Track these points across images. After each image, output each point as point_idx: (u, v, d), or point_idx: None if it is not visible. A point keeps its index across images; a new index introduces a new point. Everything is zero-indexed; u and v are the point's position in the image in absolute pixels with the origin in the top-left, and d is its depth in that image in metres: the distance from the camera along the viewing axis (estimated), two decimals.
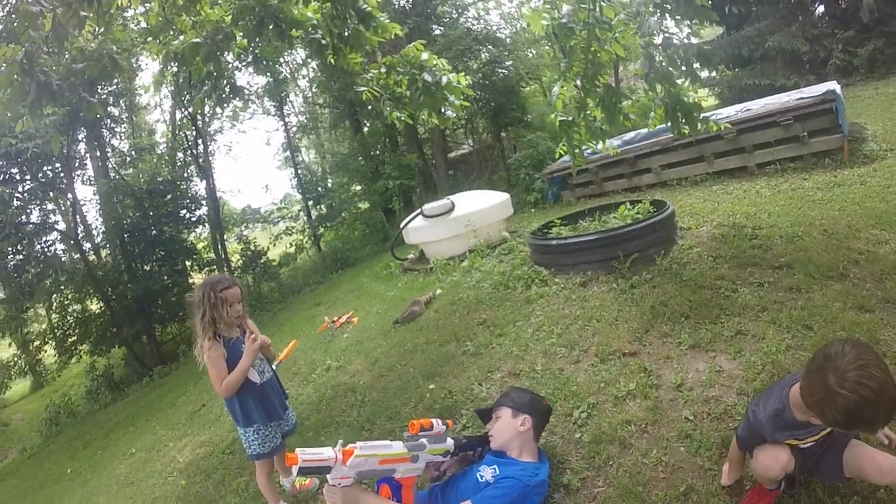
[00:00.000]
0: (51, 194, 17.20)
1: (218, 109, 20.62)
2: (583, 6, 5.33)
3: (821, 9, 16.76)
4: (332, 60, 5.90)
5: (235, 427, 3.91)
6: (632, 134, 10.98)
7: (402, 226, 10.96)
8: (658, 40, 5.47)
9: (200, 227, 20.36)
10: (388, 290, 9.85)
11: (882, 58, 14.50)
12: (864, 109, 10.67)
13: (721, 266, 5.24)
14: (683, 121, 5.96)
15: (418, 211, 10.43)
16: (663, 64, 5.53)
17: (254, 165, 57.99)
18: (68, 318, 17.80)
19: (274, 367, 7.47)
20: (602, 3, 5.42)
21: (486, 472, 2.96)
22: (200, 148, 20.37)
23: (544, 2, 5.57)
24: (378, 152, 19.86)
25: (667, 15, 5.27)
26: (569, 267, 6.20)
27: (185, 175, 19.98)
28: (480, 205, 9.91)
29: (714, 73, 17.18)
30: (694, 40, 5.67)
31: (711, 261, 5.45)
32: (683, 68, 5.47)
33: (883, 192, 6.24)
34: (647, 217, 6.26)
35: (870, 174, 7.07)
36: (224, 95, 5.78)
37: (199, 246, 20.27)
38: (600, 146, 6.48)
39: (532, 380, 4.30)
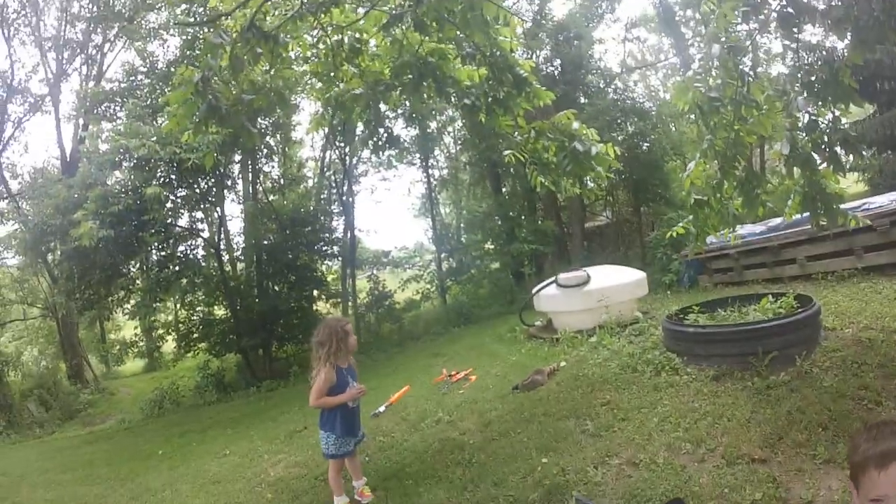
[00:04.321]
0: (202, 205, 18.53)
1: (365, 154, 21.50)
2: (730, 82, 5.20)
3: None
4: (483, 120, 6.02)
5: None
6: (777, 220, 10.47)
7: (534, 291, 10.96)
8: (803, 121, 5.24)
9: (333, 260, 21.20)
10: (510, 353, 9.77)
11: None
12: None
13: (866, 374, 4.88)
14: (822, 211, 5.64)
15: (553, 279, 10.40)
16: (807, 147, 5.28)
17: (392, 211, 59.84)
18: (195, 317, 18.93)
19: (383, 408, 7.63)
20: (750, 80, 5.26)
21: None
22: (345, 187, 21.31)
23: (693, 74, 5.48)
24: (515, 214, 19.81)
25: (813, 97, 5.05)
26: (702, 358, 5.93)
27: (328, 210, 20.95)
28: (616, 280, 9.78)
29: (861, 158, 16.03)
30: (842, 122, 5.38)
31: (856, 367, 5.08)
32: (826, 153, 5.20)
33: None
34: (790, 313, 5.95)
35: None
36: (380, 143, 6.03)
37: (329, 278, 21.05)
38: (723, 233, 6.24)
39: (652, 472, 4.13)
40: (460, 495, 4.45)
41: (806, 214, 6.14)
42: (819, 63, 5.26)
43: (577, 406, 5.81)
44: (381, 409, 7.83)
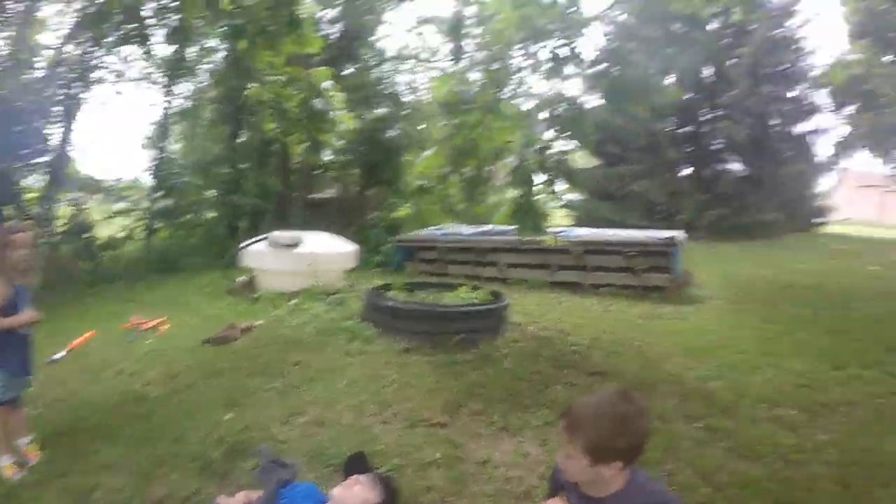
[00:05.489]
0: None
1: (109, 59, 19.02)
2: (488, 90, 5.57)
3: (689, 170, 19.44)
4: (245, 48, 5.68)
5: None
6: (488, 227, 11.32)
7: (241, 245, 10.52)
8: (536, 146, 5.79)
9: (36, 175, 18.28)
10: (208, 306, 9.27)
11: (724, 225, 17.15)
12: (698, 261, 11.89)
13: (540, 363, 5.52)
14: (531, 226, 6.27)
15: (265, 236, 10.07)
16: (533, 166, 5.84)
17: (116, 137, 52.95)
18: None
19: (64, 352, 6.74)
20: (501, 99, 5.69)
21: None
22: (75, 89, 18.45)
23: (457, 72, 5.77)
24: (246, 166, 18.73)
25: (553, 130, 5.61)
26: (397, 331, 6.23)
27: (47, 110, 17.89)
28: (328, 248, 9.79)
29: (578, 196, 18.31)
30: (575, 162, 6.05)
31: (532, 356, 5.72)
32: (549, 179, 5.81)
33: (697, 330, 7.06)
34: (481, 303, 6.46)
35: (689, 313, 8.02)
36: (128, 35, 5.37)
37: (28, 196, 18.03)
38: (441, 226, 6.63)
39: (337, 432, 4.17)
40: (137, 452, 4.01)
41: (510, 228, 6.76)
42: (571, 106, 5.82)
43: (269, 364, 5.72)
44: (62, 353, 6.83)
